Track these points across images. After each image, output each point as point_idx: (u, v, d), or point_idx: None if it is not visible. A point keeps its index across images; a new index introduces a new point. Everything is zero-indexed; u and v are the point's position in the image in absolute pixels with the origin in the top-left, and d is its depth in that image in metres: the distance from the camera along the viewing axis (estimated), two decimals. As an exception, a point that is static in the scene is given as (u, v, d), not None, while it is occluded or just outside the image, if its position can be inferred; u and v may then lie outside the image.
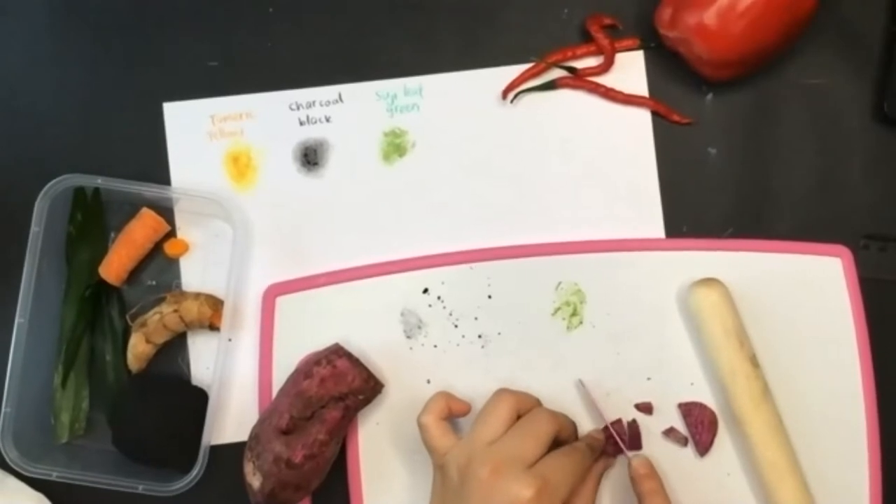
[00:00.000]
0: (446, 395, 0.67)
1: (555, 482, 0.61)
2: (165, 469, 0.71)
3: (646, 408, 0.71)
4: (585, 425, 0.71)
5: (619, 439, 0.69)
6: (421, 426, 0.66)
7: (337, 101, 0.76)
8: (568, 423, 0.68)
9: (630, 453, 0.69)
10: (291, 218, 0.75)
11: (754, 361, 0.68)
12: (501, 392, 0.66)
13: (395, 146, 0.75)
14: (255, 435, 0.68)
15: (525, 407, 0.66)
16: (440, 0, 0.76)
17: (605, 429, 0.70)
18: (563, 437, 0.66)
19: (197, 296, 0.72)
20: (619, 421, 0.71)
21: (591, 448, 0.67)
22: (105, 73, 0.76)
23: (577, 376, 0.71)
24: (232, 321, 0.72)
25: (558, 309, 0.73)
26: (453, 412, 0.67)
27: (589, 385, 0.71)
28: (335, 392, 0.67)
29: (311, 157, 0.75)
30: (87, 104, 0.76)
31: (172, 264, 0.75)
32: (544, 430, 0.64)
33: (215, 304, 0.73)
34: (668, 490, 0.67)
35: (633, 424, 0.71)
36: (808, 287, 0.71)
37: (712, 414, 0.71)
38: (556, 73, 0.75)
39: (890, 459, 0.70)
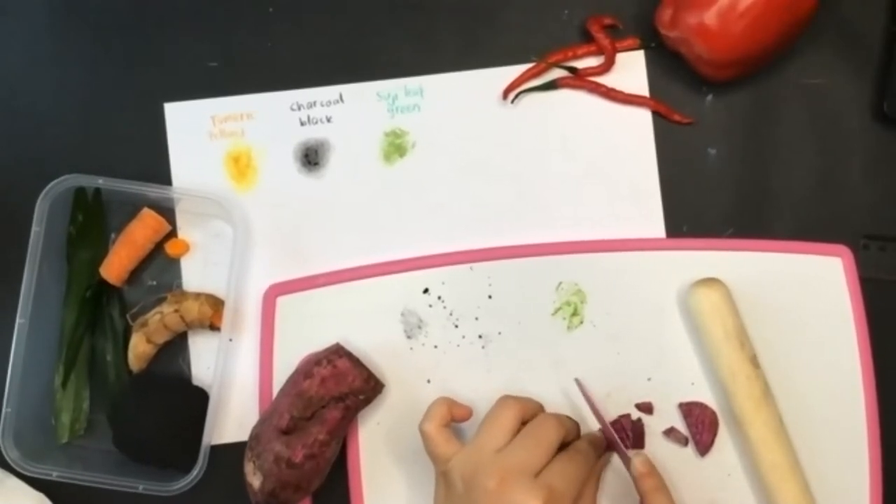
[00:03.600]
0: (448, 401, 0.66)
1: (562, 490, 0.61)
2: (166, 469, 0.71)
3: (646, 408, 0.71)
4: (588, 425, 0.71)
5: (625, 435, 0.69)
6: (423, 434, 0.65)
7: (338, 102, 0.76)
8: (572, 426, 0.67)
9: (630, 452, 0.68)
10: (292, 218, 0.75)
11: (755, 362, 0.68)
12: (505, 399, 0.65)
13: (396, 146, 0.75)
14: (256, 435, 0.68)
15: (529, 413, 0.65)
16: (440, 0, 0.76)
17: (606, 430, 0.70)
18: (567, 440, 0.65)
19: (197, 296, 0.72)
20: (626, 416, 0.71)
21: (594, 445, 0.67)
22: (105, 73, 0.76)
23: (578, 376, 0.71)
24: (232, 321, 0.72)
25: (559, 309, 0.73)
26: (455, 417, 0.66)
27: (585, 384, 0.70)
28: (335, 392, 0.67)
29: (311, 158, 0.75)
30: (88, 104, 0.76)
31: (173, 264, 0.75)
32: (551, 438, 0.63)
33: (216, 304, 0.73)
34: (670, 488, 0.67)
35: (638, 423, 0.71)
36: (808, 287, 0.71)
37: (713, 414, 0.71)
38: (557, 73, 0.75)
39: (890, 459, 0.70)
